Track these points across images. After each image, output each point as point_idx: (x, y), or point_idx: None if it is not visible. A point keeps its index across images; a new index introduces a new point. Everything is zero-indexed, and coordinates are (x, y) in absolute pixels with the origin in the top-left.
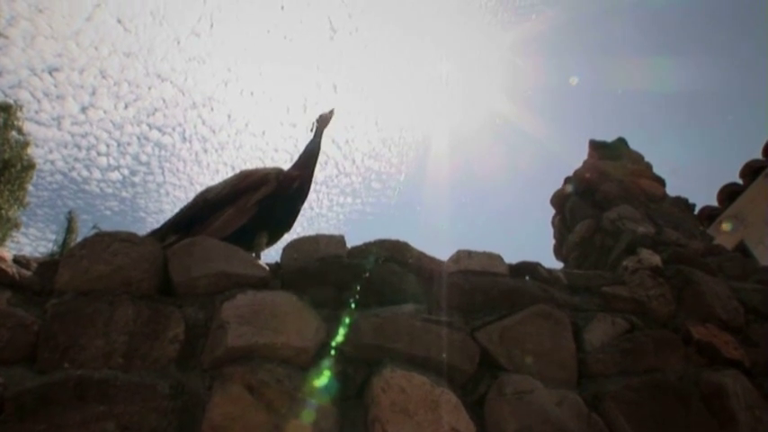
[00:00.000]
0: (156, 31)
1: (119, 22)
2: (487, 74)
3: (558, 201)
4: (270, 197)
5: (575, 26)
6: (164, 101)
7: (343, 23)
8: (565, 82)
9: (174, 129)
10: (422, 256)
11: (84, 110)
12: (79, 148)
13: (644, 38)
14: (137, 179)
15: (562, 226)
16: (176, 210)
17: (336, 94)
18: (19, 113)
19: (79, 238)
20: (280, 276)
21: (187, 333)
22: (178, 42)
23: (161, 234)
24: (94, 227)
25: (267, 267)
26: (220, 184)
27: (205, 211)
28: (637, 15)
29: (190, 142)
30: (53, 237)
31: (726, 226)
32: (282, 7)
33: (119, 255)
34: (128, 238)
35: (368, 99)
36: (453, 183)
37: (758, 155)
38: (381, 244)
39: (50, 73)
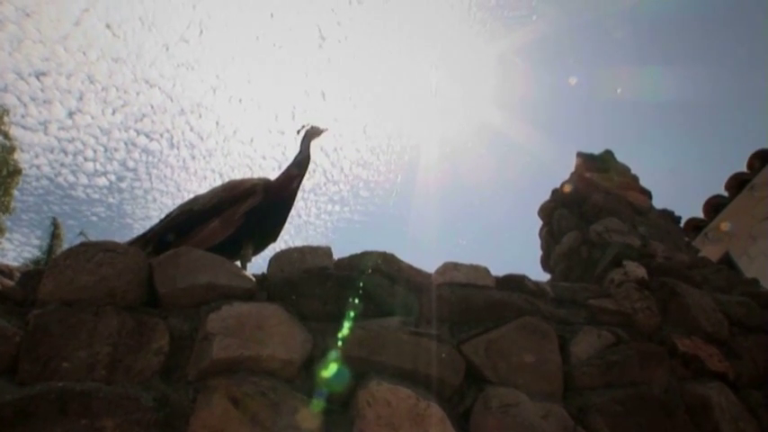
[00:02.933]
0: (144, 36)
1: (107, 27)
2: (477, 83)
3: (546, 212)
4: (257, 208)
5: (564, 36)
6: (152, 107)
7: (332, 31)
8: (555, 91)
9: (161, 135)
10: (409, 268)
11: (71, 115)
12: (66, 153)
13: (636, 47)
14: (124, 185)
15: (549, 237)
16: (163, 216)
17: (325, 101)
18: (5, 118)
19: (65, 245)
20: (266, 288)
21: (172, 345)
22: (167, 48)
23: (145, 241)
24: (81, 233)
25: (253, 279)
26: (208, 193)
27: (191, 222)
28: (628, 24)
29: (177, 149)
30: (38, 242)
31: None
32: (272, 15)
33: (103, 265)
34: (113, 248)
35: (356, 107)
36: (442, 192)
37: (744, 167)
38: (369, 255)
39: (37, 77)
